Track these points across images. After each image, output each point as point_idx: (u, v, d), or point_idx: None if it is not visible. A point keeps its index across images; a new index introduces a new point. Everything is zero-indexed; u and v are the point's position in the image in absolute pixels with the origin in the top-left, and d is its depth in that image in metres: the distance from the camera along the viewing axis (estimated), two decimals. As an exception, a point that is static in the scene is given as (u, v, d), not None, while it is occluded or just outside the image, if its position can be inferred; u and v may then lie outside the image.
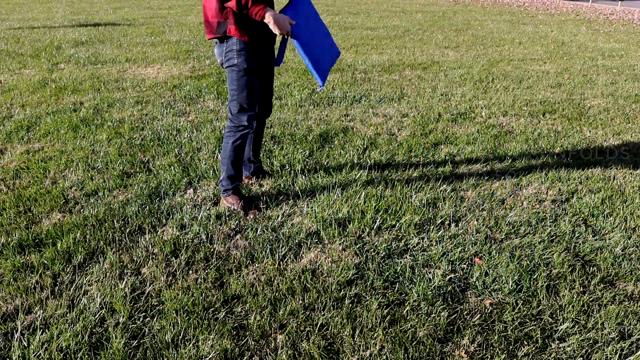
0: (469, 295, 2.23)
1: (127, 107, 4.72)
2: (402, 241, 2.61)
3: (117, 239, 2.57)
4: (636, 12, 15.10)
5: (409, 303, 2.16)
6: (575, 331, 2.03)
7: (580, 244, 2.62)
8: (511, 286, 2.27)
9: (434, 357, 1.89)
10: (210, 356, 1.87)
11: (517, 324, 2.06)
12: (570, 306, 2.16)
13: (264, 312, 2.09)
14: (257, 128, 3.06)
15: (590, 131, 4.31)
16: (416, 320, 2.06)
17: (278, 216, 2.81)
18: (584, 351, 1.93)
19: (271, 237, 2.60)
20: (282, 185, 3.18)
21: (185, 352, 1.88)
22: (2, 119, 4.30)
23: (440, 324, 2.04)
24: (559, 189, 3.22)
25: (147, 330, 1.98)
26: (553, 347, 1.96)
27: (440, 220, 2.80)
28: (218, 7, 2.48)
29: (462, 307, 2.15)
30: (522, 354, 1.92)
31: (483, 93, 5.45)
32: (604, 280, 2.35)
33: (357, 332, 1.99)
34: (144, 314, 2.07)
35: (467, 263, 2.44)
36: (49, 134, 3.96)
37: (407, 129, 4.24)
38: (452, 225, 2.77)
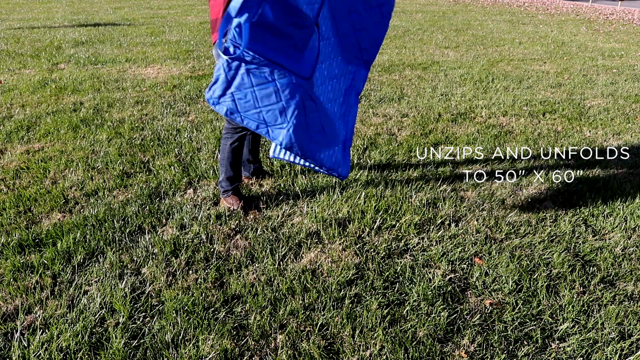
0: (469, 295, 2.23)
1: (127, 107, 4.72)
2: (402, 241, 2.61)
3: (117, 239, 2.57)
4: (636, 12, 15.10)
5: (409, 303, 2.16)
6: (575, 331, 2.03)
7: (580, 244, 2.62)
8: (511, 286, 2.27)
9: (434, 357, 1.89)
10: (210, 356, 1.87)
11: (517, 324, 2.06)
12: (570, 306, 2.16)
13: (264, 312, 2.09)
14: None
15: (590, 131, 4.31)
16: (416, 320, 2.06)
17: (278, 216, 2.81)
18: (584, 351, 1.93)
19: (271, 237, 2.60)
20: (282, 185, 3.18)
21: (185, 352, 1.88)
22: (2, 119, 4.30)
23: (440, 324, 2.04)
24: (559, 189, 3.22)
25: (147, 330, 1.98)
26: (553, 347, 1.96)
27: (440, 220, 2.80)
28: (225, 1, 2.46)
29: (462, 307, 2.15)
30: (522, 354, 1.92)
31: (483, 93, 5.45)
32: (604, 280, 2.35)
33: (357, 332, 1.99)
34: (144, 314, 2.07)
35: (467, 263, 2.44)
36: (49, 134, 3.96)
37: (407, 129, 4.24)
38: (452, 225, 2.76)
